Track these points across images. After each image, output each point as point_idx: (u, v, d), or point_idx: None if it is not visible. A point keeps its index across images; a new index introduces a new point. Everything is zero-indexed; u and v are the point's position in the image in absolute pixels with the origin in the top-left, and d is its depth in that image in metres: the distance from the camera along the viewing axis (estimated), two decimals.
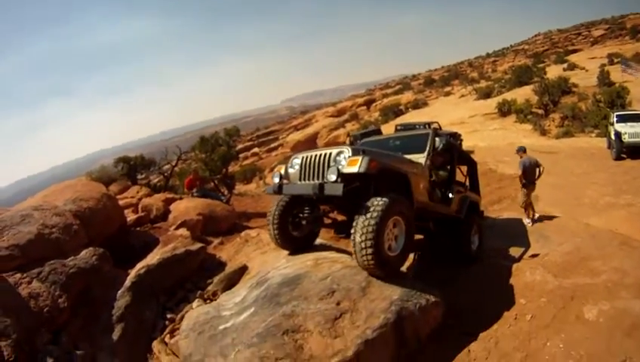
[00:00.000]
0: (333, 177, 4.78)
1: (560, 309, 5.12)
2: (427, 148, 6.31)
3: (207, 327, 4.73)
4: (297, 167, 5.51)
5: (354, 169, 4.69)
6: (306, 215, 5.88)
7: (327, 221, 6.15)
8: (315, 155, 5.32)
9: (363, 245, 4.56)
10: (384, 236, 4.71)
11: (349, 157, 4.87)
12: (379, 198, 4.73)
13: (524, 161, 9.10)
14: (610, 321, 4.72)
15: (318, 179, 5.14)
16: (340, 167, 4.85)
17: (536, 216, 8.98)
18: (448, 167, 7.29)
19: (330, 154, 5.16)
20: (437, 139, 6.47)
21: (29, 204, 7.68)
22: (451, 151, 7.10)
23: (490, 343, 4.81)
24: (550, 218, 8.92)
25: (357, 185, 4.91)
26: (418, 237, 7.44)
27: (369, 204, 4.69)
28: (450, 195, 6.81)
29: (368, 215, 4.59)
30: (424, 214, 6.10)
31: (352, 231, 4.71)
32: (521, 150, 9.45)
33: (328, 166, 5.04)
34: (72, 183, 9.46)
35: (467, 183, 8.14)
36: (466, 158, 8.27)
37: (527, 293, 5.63)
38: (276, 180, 5.59)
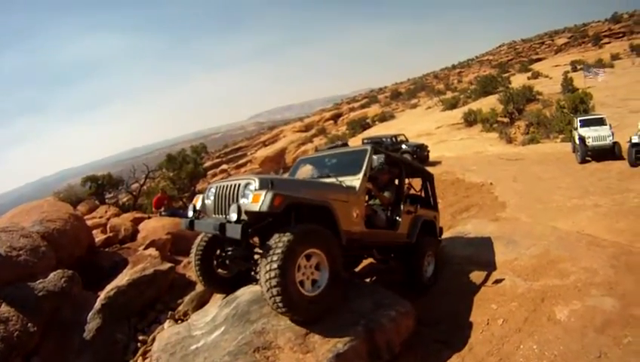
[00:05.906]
0: (234, 216, 4.13)
1: (531, 312, 5.18)
2: (363, 169, 5.43)
3: (179, 348, 4.64)
4: (212, 198, 4.78)
5: (256, 207, 4.01)
6: (229, 253, 5.05)
7: (256, 257, 5.08)
8: (226, 186, 4.62)
9: (269, 290, 3.91)
10: (293, 275, 4.02)
11: (256, 190, 4.20)
12: (282, 234, 4.01)
13: None
14: (581, 320, 4.81)
15: (226, 214, 4.38)
16: (244, 202, 4.23)
17: None
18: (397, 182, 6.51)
19: (239, 185, 4.46)
20: (375, 157, 5.42)
21: None
22: (399, 166, 6.44)
23: (464, 349, 4.84)
24: (518, 223, 9.03)
25: (270, 220, 4.23)
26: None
27: (271, 241, 3.99)
28: (398, 218, 6.10)
29: (271, 253, 3.90)
30: (364, 243, 5.43)
31: (258, 272, 4.05)
32: None
33: (236, 199, 4.40)
34: (38, 204, 9.31)
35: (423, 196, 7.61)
36: (420, 170, 7.60)
37: (498, 298, 5.66)
38: (190, 213, 4.97)
